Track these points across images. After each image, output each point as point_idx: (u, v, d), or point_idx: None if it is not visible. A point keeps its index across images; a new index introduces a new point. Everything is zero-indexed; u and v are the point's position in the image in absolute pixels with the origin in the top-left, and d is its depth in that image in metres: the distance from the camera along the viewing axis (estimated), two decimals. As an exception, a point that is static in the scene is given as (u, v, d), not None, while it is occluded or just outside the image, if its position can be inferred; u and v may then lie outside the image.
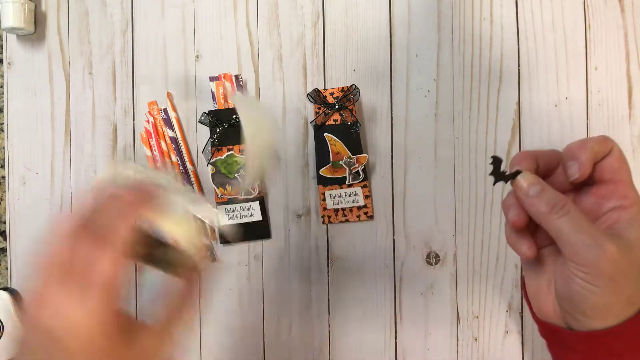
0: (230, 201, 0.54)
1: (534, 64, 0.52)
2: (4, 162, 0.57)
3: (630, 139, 0.51)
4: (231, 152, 0.53)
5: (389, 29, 0.53)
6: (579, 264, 0.31)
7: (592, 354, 0.33)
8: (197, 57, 0.55)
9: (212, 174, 0.53)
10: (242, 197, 0.53)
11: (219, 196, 0.54)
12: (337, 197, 0.53)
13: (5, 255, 0.57)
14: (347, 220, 0.53)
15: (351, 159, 0.52)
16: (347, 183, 0.52)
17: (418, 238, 0.53)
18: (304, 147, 0.54)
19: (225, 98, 0.54)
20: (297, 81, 0.54)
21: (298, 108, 0.54)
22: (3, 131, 0.57)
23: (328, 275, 0.54)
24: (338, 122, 0.52)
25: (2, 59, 0.57)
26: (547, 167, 0.35)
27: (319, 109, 0.52)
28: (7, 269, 0.57)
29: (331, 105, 0.52)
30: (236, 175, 0.53)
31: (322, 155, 0.52)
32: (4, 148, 0.57)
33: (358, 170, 0.52)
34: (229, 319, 0.54)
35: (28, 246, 0.56)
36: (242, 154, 0.53)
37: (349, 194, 0.52)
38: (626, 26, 0.51)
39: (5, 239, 0.57)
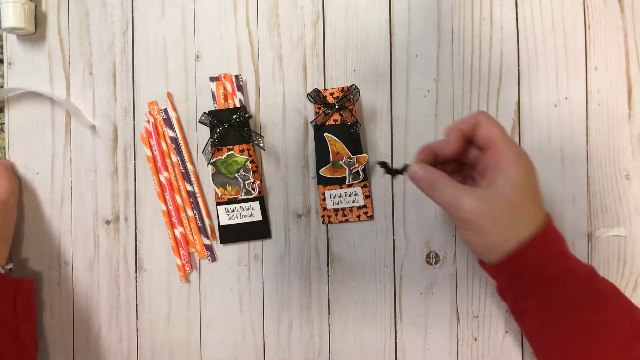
0: (230, 201, 0.54)
1: (534, 64, 0.52)
2: (4, 162, 0.57)
3: (630, 139, 0.51)
4: (231, 152, 0.53)
5: (389, 29, 0.54)
6: (453, 220, 0.42)
7: (499, 281, 0.43)
8: (197, 57, 0.55)
9: (212, 174, 0.53)
10: (242, 197, 0.53)
11: (219, 196, 0.54)
12: (337, 197, 0.53)
13: (6, 255, 0.57)
14: (347, 220, 0.53)
15: (351, 159, 0.52)
16: (347, 183, 0.52)
17: (418, 238, 0.53)
18: (304, 147, 0.54)
19: (225, 98, 0.54)
20: (297, 81, 0.54)
21: (298, 108, 0.54)
22: (3, 131, 0.57)
23: (328, 275, 0.54)
24: (338, 122, 0.52)
25: (3, 59, 0.57)
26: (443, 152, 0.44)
27: (319, 109, 0.52)
28: (7, 269, 0.57)
29: (331, 106, 0.52)
30: (236, 175, 0.53)
31: (322, 155, 0.52)
32: (4, 148, 0.57)
33: (358, 170, 0.52)
34: (229, 319, 0.55)
35: (28, 246, 0.56)
36: (242, 154, 0.53)
37: (349, 193, 0.52)
38: (626, 26, 0.51)
39: (5, 239, 0.57)
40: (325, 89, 0.53)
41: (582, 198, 0.51)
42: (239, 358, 0.55)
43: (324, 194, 0.53)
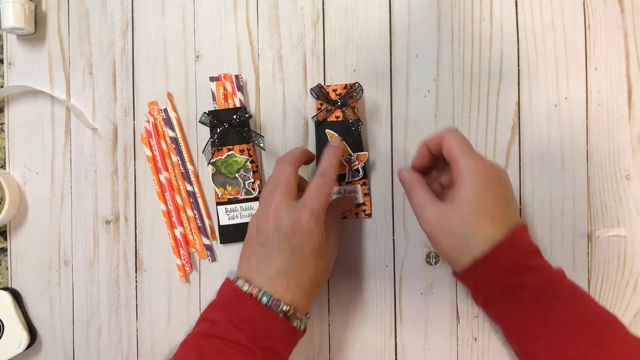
0: (230, 201, 0.54)
1: (534, 64, 0.52)
2: (4, 162, 0.57)
3: (630, 139, 0.51)
4: (231, 152, 0.53)
5: (389, 29, 0.54)
6: (422, 230, 0.44)
7: (470, 286, 0.44)
8: (197, 57, 0.55)
9: (213, 174, 0.53)
10: (242, 197, 0.53)
11: (219, 196, 0.54)
12: (336, 194, 0.53)
13: (6, 255, 0.57)
14: (345, 217, 0.53)
15: (351, 156, 0.52)
16: (346, 180, 0.52)
17: (418, 238, 0.53)
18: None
19: (225, 98, 0.54)
20: (297, 81, 0.54)
21: (298, 108, 0.54)
22: (3, 131, 0.57)
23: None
24: (340, 119, 0.52)
25: (3, 59, 0.57)
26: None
27: (321, 104, 0.52)
28: (7, 269, 0.57)
29: (333, 102, 0.52)
30: (236, 175, 0.53)
31: (322, 151, 0.52)
32: (4, 148, 0.57)
33: (358, 168, 0.52)
34: (229, 318, 0.55)
35: (28, 246, 0.56)
36: (242, 154, 0.53)
37: (348, 191, 0.52)
38: (626, 26, 0.51)
39: (5, 239, 0.57)
40: (328, 85, 0.53)
41: (582, 198, 0.51)
42: (239, 358, 0.54)
43: None
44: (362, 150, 0.52)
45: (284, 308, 0.42)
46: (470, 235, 0.41)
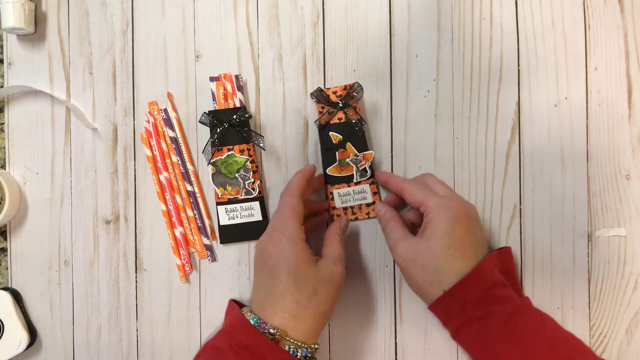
0: (230, 201, 0.54)
1: (534, 64, 0.52)
2: (4, 162, 0.57)
3: (630, 139, 0.51)
4: (231, 152, 0.53)
5: (389, 29, 0.54)
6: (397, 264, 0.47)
7: (440, 317, 0.45)
8: (197, 57, 0.55)
9: (213, 174, 0.53)
10: (242, 197, 0.53)
11: (219, 196, 0.54)
12: (345, 196, 0.52)
13: (6, 255, 0.57)
14: (356, 219, 0.53)
15: (357, 156, 0.52)
16: (354, 181, 0.52)
17: (418, 238, 0.53)
18: (304, 147, 0.54)
19: (225, 98, 0.54)
20: (297, 81, 0.54)
21: (298, 108, 0.54)
22: (3, 131, 0.57)
23: (328, 275, 0.54)
24: (342, 121, 0.52)
25: (3, 59, 0.57)
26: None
27: (323, 108, 0.52)
28: (7, 269, 0.57)
29: (335, 104, 0.52)
30: (236, 175, 0.53)
31: (328, 151, 0.53)
32: (4, 148, 0.57)
33: (365, 168, 0.52)
34: (229, 319, 0.55)
35: (28, 246, 0.56)
36: (242, 154, 0.53)
37: (357, 191, 0.52)
38: (626, 26, 0.51)
39: (5, 239, 0.57)
40: (327, 88, 0.53)
41: (582, 198, 0.51)
42: (239, 358, 0.54)
43: (332, 193, 0.53)
44: (367, 150, 0.52)
45: (271, 331, 0.42)
46: (440, 268, 0.43)
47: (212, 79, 0.54)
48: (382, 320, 0.53)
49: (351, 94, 0.51)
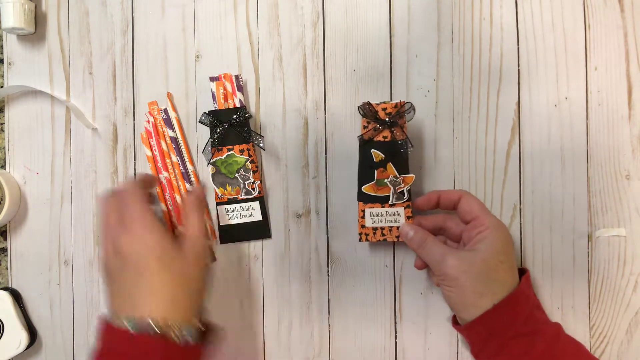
0: (230, 201, 0.54)
1: (534, 64, 0.52)
2: (4, 162, 0.57)
3: (630, 139, 0.51)
4: (231, 152, 0.53)
5: (389, 29, 0.54)
6: (437, 275, 0.47)
7: (472, 340, 0.47)
8: (197, 57, 0.55)
9: (212, 174, 0.53)
10: (242, 197, 0.53)
11: (219, 196, 0.54)
12: (377, 216, 0.50)
13: (6, 255, 0.57)
14: (385, 240, 0.50)
15: (397, 178, 0.49)
16: (390, 202, 0.49)
17: (418, 238, 0.53)
18: (304, 147, 0.54)
19: (225, 98, 0.54)
20: (297, 81, 0.54)
21: (298, 108, 0.54)
22: (3, 131, 0.57)
23: (328, 275, 0.54)
24: (387, 139, 0.49)
25: (3, 59, 0.57)
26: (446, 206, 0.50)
27: (368, 123, 0.49)
28: (7, 269, 0.57)
29: (383, 122, 0.48)
30: (236, 175, 0.53)
31: (365, 171, 0.50)
32: (4, 148, 0.57)
33: (403, 190, 0.49)
34: (229, 319, 0.54)
35: (28, 246, 0.56)
36: (242, 154, 0.53)
37: (390, 213, 0.50)
38: (626, 26, 0.51)
39: (5, 239, 0.57)
40: (378, 103, 0.49)
41: (582, 198, 0.51)
42: (239, 358, 0.54)
43: (363, 211, 0.50)
44: (409, 173, 0.49)
45: (150, 323, 0.40)
46: (495, 280, 0.45)
47: (212, 79, 0.54)
48: (382, 320, 0.53)
49: (401, 112, 0.48)
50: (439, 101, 0.53)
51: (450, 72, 0.53)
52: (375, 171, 0.49)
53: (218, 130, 0.52)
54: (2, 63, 0.57)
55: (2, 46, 0.57)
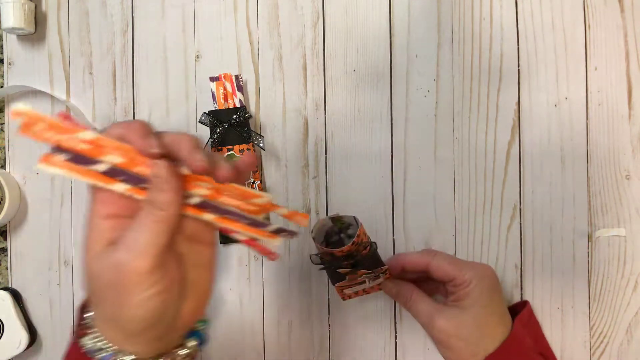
0: (230, 201, 0.54)
1: (534, 64, 0.52)
2: (4, 162, 0.57)
3: (630, 139, 0.51)
4: (231, 152, 0.53)
5: (389, 29, 0.54)
6: (430, 337, 0.46)
7: None
8: (197, 57, 0.55)
9: (212, 174, 0.53)
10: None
11: (219, 196, 0.54)
12: (357, 286, 0.49)
13: (6, 255, 0.57)
14: (367, 294, 0.50)
15: (371, 273, 0.47)
16: (367, 287, 0.49)
17: (418, 238, 0.53)
18: (304, 147, 0.54)
19: (225, 98, 0.54)
20: (297, 81, 0.54)
21: (298, 108, 0.54)
22: (3, 131, 0.57)
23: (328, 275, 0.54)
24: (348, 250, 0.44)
25: (3, 59, 0.57)
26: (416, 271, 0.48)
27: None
28: (7, 269, 0.57)
29: (339, 258, 0.44)
30: (236, 175, 0.53)
31: (336, 276, 0.47)
32: (4, 148, 0.57)
33: (379, 275, 0.47)
34: (229, 318, 0.54)
35: (28, 246, 0.56)
36: (242, 154, 0.53)
37: (370, 282, 0.48)
38: (626, 26, 0.51)
39: (5, 239, 0.57)
40: (332, 250, 0.44)
41: (582, 198, 0.51)
42: (239, 358, 0.54)
43: (341, 288, 0.49)
44: (383, 264, 0.46)
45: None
46: (485, 337, 0.44)
47: (212, 79, 0.54)
48: (382, 320, 0.53)
49: (358, 249, 0.44)
50: (439, 101, 0.53)
51: (450, 72, 0.53)
52: (347, 277, 0.47)
53: (218, 130, 0.52)
54: (2, 63, 0.57)
55: (2, 46, 0.57)
